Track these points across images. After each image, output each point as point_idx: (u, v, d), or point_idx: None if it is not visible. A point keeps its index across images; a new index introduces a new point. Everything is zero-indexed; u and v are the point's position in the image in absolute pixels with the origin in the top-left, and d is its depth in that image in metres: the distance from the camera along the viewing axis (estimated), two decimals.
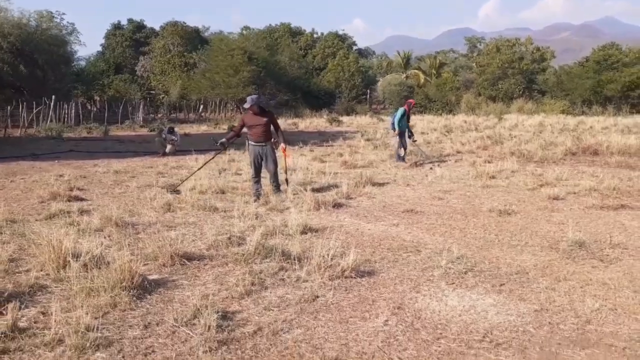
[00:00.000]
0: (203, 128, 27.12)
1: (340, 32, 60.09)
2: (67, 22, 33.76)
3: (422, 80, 53.78)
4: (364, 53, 73.55)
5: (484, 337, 3.47)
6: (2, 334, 3.35)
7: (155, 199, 7.70)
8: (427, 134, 21.01)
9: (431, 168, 11.69)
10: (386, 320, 3.72)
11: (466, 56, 73.36)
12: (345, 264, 4.62)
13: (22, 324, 3.56)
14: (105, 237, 5.69)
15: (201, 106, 39.40)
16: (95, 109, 39.58)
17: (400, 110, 12.94)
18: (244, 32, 55.63)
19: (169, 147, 14.51)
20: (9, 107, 23.82)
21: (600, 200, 7.96)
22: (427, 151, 14.00)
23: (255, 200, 7.86)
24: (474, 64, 56.16)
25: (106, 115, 28.81)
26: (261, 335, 3.49)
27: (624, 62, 40.46)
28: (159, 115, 35.98)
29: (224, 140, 8.42)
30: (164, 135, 14.73)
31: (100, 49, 57.56)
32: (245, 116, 8.28)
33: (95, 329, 3.43)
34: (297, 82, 44.32)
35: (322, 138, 19.58)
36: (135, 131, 25.30)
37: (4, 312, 3.62)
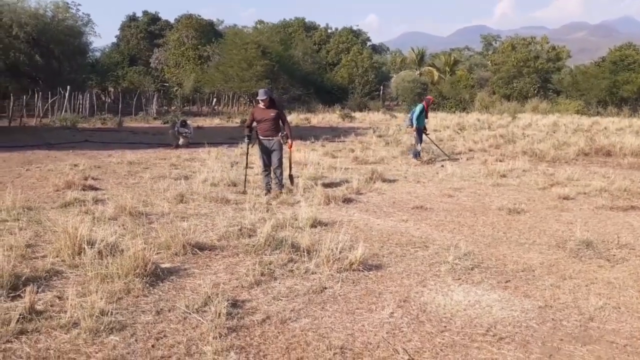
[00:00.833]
0: (216, 121, 27.31)
1: (355, 28, 59.91)
2: (83, 13, 34.06)
3: (436, 78, 53.51)
4: (377, 49, 73.34)
5: (487, 331, 3.54)
6: (20, 316, 3.48)
7: (168, 190, 7.83)
8: (440, 131, 20.97)
9: (442, 166, 11.72)
10: (392, 313, 3.79)
11: (481, 54, 72.94)
12: (354, 257, 4.70)
13: (38, 307, 3.69)
14: (119, 226, 5.81)
15: (214, 99, 39.60)
16: (109, 100, 39.95)
17: (419, 107, 13.03)
18: (258, 26, 55.70)
19: (181, 140, 14.67)
20: (24, 97, 24.15)
21: (610, 201, 7.95)
22: (441, 147, 14.00)
23: (266, 194, 7.96)
24: (489, 62, 55.79)
25: (120, 106, 29.06)
26: (269, 323, 3.59)
27: None
28: (173, 108, 36.21)
29: (249, 134, 8.37)
30: (176, 128, 14.88)
31: (115, 40, 57.97)
32: (256, 110, 8.36)
33: (109, 314, 3.55)
34: (310, 77, 44.36)
35: (334, 133, 19.63)
36: (149, 123, 25.55)
37: (22, 295, 3.75)
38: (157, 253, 4.91)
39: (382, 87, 52.21)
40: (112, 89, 43.64)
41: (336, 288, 4.24)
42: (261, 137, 8.20)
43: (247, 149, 8.51)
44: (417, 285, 4.36)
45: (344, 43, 55.15)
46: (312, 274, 4.54)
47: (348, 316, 3.74)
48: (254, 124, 8.29)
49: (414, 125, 12.83)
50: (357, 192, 8.35)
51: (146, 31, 54.38)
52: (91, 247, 4.59)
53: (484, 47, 75.36)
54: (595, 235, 5.90)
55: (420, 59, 61.42)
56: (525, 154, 13.32)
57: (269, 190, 8.10)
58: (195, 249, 5.06)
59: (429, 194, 8.48)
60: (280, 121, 8.18)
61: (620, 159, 12.92)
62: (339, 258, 4.70)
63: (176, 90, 43.19)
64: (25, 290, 3.73)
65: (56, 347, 3.17)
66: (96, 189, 8.29)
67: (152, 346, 3.23)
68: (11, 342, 3.20)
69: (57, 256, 4.74)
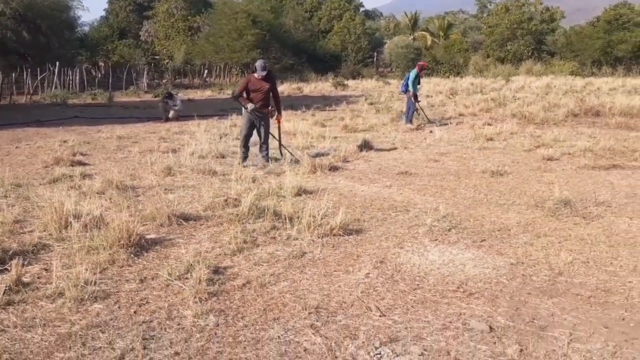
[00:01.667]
0: (207, 93, 27.15)
1: None
2: None
3: (429, 42, 53.01)
4: (371, 15, 72.39)
5: (458, 287, 3.68)
6: (7, 287, 3.60)
7: (155, 163, 7.90)
8: (432, 96, 20.96)
9: (431, 131, 11.78)
10: (367, 273, 3.93)
11: (476, 17, 71.93)
12: (334, 222, 4.81)
13: (25, 279, 3.81)
14: (105, 200, 5.90)
15: (205, 71, 39.26)
16: (99, 75, 39.51)
17: (413, 72, 13.05)
18: None
19: (171, 113, 14.65)
20: (13, 74, 23.92)
21: (593, 160, 8.06)
22: (429, 114, 14.02)
23: (239, 163, 7.98)
24: (483, 25, 55.13)
25: (110, 81, 28.83)
26: (249, 287, 3.72)
27: (635, 22, 39.67)
28: (164, 81, 35.93)
29: (250, 105, 8.20)
30: (166, 101, 14.86)
31: (103, 13, 57.04)
32: (251, 78, 8.12)
33: (93, 283, 3.67)
34: (302, 46, 43.86)
35: (325, 102, 19.60)
36: (140, 97, 25.39)
37: (9, 268, 3.86)
38: (143, 225, 5.01)
39: (375, 53, 51.71)
40: (102, 64, 43.11)
41: (316, 252, 4.37)
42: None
43: (268, 122, 8.34)
44: (395, 247, 4.48)
45: (336, 9, 54.26)
46: (294, 240, 4.66)
47: (325, 278, 3.87)
48: (244, 93, 8.18)
49: (411, 91, 12.86)
50: (344, 160, 8.43)
51: (135, 3, 53.37)
52: (77, 221, 4.69)
53: (479, 9, 74.26)
54: (575, 194, 6.02)
55: (414, 24, 60.72)
56: (515, 117, 13.38)
57: (244, 159, 8.11)
58: (181, 220, 5.17)
59: (415, 160, 8.57)
60: (271, 94, 8.13)
61: (609, 119, 12.98)
62: (320, 224, 4.81)
63: (167, 62, 42.77)
64: (11, 264, 3.85)
65: (42, 315, 3.30)
66: (85, 164, 8.35)
67: (135, 312, 3.36)
68: None
69: (44, 230, 4.84)
